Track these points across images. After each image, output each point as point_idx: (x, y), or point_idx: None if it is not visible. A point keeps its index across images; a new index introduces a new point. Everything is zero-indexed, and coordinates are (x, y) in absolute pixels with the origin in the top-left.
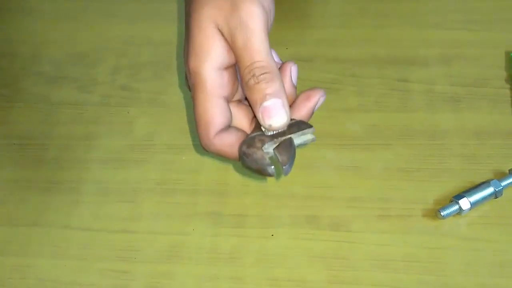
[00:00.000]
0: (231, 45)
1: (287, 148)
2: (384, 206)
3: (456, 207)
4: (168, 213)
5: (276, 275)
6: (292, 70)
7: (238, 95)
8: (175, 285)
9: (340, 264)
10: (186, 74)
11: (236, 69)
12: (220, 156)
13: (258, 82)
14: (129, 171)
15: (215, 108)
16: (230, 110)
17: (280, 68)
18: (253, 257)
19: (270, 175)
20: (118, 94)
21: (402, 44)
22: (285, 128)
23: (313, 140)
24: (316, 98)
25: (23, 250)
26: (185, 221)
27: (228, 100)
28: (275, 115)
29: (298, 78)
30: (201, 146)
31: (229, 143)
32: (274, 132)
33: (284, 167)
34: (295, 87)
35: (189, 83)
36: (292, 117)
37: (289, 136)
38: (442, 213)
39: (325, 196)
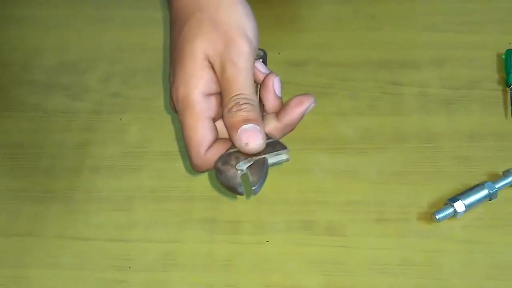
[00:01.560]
0: (219, 77)
1: (260, 168)
2: (379, 210)
3: (451, 210)
4: (162, 220)
5: (272, 281)
6: (274, 83)
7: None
8: None
9: (337, 269)
10: (170, 99)
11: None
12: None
13: (240, 110)
14: (123, 178)
15: (205, 128)
16: (216, 129)
17: (263, 81)
18: (249, 263)
19: (240, 194)
20: (110, 101)
21: (394, 47)
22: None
23: (287, 160)
24: (307, 104)
25: (17, 261)
26: (179, 229)
27: (214, 121)
28: (253, 137)
29: (291, 82)
30: (192, 167)
31: (220, 154)
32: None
33: (253, 187)
34: (279, 98)
35: (176, 108)
36: (271, 135)
37: (263, 156)
38: (437, 216)
39: (320, 201)
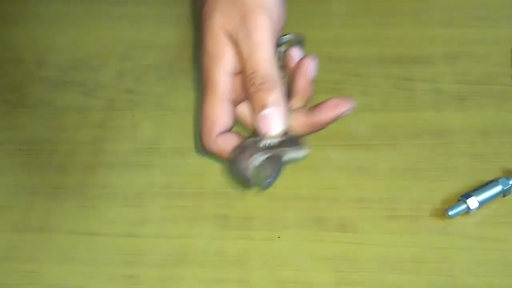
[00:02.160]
0: (238, 54)
1: (274, 162)
2: (391, 206)
3: (464, 206)
4: (174, 216)
5: (283, 277)
6: (308, 66)
7: None
8: None
9: (348, 265)
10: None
11: None
12: (218, 157)
13: (258, 91)
14: (135, 175)
15: (222, 110)
16: (235, 114)
17: (299, 61)
18: (260, 259)
19: (250, 186)
20: (123, 98)
21: (407, 42)
22: (281, 137)
23: (304, 157)
24: (343, 109)
25: (30, 256)
26: (191, 225)
27: (236, 104)
28: (272, 124)
29: None
30: (201, 145)
31: (229, 144)
32: (269, 141)
33: (265, 181)
34: (310, 83)
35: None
36: (294, 130)
37: (281, 150)
38: (450, 213)
39: (332, 197)
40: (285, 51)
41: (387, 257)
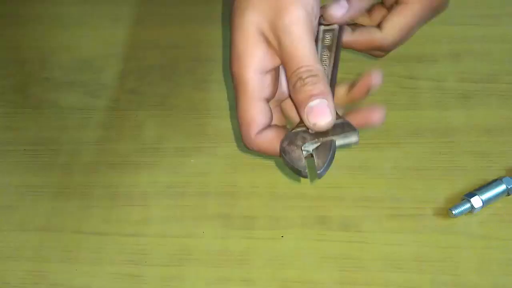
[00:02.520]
0: (277, 51)
1: (326, 150)
2: (394, 205)
3: (467, 205)
4: (178, 216)
5: (287, 276)
6: (374, 80)
7: (278, 96)
8: None
9: (351, 264)
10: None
11: (280, 70)
12: (262, 153)
13: (304, 84)
14: (139, 174)
15: (256, 110)
16: (270, 109)
17: (359, 82)
18: (263, 258)
19: (303, 176)
20: (126, 98)
21: (410, 40)
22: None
23: (356, 142)
24: (374, 119)
25: (35, 255)
26: (195, 224)
27: (269, 100)
28: (321, 115)
29: None
30: (243, 144)
31: (269, 140)
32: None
33: (318, 171)
34: (368, 94)
35: (233, 82)
36: (339, 117)
37: (331, 138)
38: (453, 212)
39: (335, 196)
40: (329, 39)
41: (390, 256)
